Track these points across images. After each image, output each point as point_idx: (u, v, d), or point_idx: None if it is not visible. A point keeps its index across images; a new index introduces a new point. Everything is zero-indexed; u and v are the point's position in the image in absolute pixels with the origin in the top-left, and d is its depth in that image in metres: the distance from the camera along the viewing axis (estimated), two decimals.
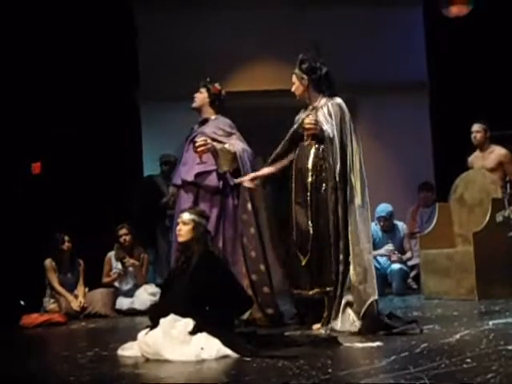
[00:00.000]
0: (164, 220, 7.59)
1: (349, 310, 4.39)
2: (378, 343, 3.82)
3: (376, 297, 4.30)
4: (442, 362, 3.15)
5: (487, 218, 6.14)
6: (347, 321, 4.37)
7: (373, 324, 4.24)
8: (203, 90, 5.35)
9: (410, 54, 8.80)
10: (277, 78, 8.59)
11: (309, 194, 4.58)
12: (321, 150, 4.59)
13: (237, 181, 4.98)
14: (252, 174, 4.90)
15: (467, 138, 6.99)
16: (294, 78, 4.74)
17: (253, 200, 5.02)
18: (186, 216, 4.18)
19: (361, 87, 8.37)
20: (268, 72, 8.61)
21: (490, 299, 5.74)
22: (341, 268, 4.43)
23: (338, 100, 4.66)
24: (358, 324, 4.30)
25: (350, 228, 4.39)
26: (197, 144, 4.96)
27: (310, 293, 4.63)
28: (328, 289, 4.51)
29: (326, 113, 4.61)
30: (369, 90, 8.56)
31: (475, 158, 7.00)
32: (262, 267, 4.97)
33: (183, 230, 4.15)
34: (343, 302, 4.42)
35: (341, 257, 4.43)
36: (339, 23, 8.63)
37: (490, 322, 4.38)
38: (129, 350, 3.93)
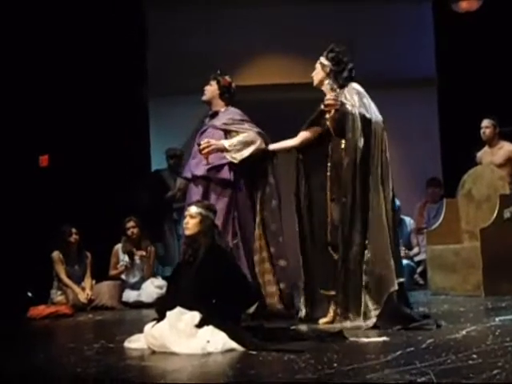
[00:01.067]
0: (171, 214, 7.61)
1: (365, 295, 4.33)
2: (383, 338, 3.82)
3: (395, 287, 4.25)
4: (448, 357, 3.14)
5: (495, 214, 6.13)
6: (365, 307, 4.32)
7: (391, 315, 4.20)
8: (213, 82, 5.34)
9: (419, 49, 8.76)
10: (283, 73, 8.59)
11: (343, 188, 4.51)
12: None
13: (272, 147, 5.01)
14: (275, 146, 4.96)
15: (475, 133, 6.97)
16: (317, 64, 4.70)
17: (274, 173, 5.12)
18: (193, 209, 4.19)
19: (368, 83, 8.31)
20: (275, 66, 8.61)
21: (497, 295, 5.73)
22: (354, 250, 4.36)
23: (353, 84, 4.61)
24: (374, 313, 4.26)
25: (370, 207, 4.32)
26: (200, 147, 4.97)
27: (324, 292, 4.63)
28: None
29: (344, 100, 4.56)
30: (377, 86, 8.49)
31: (484, 154, 6.98)
32: (281, 239, 5.07)
33: (190, 223, 4.15)
34: (363, 285, 4.35)
35: (357, 239, 4.35)
36: (346, 18, 8.61)
37: (497, 319, 4.38)
38: (135, 343, 3.95)
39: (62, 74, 7.85)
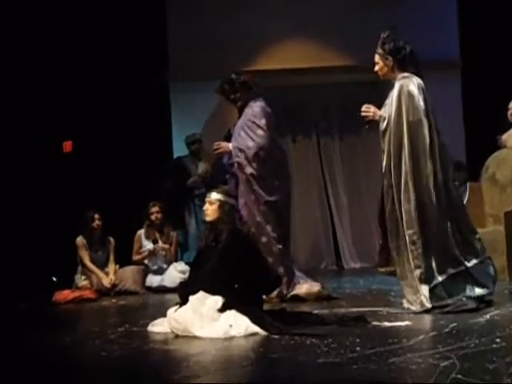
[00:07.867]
0: (192, 200, 7.63)
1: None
2: (406, 322, 3.82)
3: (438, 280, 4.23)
4: (471, 341, 3.13)
5: None
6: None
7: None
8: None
9: (443, 31, 8.66)
10: (306, 57, 8.54)
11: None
12: None
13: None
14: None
15: (500, 116, 6.87)
16: (378, 58, 4.63)
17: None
18: (213, 196, 4.22)
19: None
20: (297, 50, 8.56)
21: None
22: (401, 243, 4.37)
23: (404, 80, 4.52)
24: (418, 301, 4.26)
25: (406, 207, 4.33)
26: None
27: (382, 270, 4.68)
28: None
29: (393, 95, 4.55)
30: None
31: (509, 137, 6.88)
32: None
33: (210, 209, 4.19)
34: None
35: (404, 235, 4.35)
36: (368, 1, 8.55)
37: None
38: (158, 327, 3.99)
39: (85, 60, 7.88)
